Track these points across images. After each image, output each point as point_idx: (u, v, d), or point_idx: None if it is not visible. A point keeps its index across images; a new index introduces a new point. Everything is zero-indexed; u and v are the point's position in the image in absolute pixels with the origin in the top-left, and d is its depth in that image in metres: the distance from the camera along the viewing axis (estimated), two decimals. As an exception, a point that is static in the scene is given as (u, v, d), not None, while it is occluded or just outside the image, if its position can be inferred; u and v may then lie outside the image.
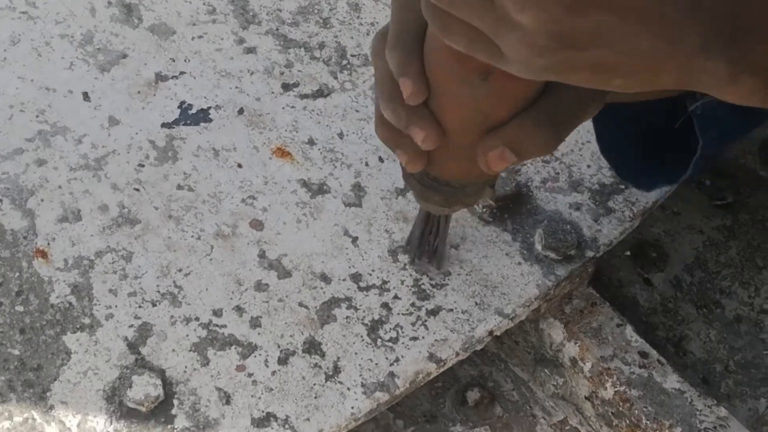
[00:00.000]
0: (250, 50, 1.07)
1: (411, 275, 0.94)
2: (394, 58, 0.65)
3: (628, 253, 1.15)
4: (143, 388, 0.83)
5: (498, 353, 1.06)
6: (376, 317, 0.91)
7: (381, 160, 1.01)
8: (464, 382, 1.04)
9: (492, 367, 1.05)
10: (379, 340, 0.90)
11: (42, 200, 0.93)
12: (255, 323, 0.89)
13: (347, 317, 0.91)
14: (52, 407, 0.82)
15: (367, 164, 1.00)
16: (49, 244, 0.90)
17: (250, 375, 0.87)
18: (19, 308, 0.87)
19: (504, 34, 0.52)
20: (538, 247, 0.97)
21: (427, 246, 0.92)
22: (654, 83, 0.55)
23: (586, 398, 0.99)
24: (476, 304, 0.93)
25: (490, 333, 0.92)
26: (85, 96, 1.01)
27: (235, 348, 0.88)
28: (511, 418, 1.02)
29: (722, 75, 0.53)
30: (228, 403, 0.85)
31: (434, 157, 0.71)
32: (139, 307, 0.88)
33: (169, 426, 0.83)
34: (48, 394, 0.83)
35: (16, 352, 0.84)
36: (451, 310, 0.92)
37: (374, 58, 0.68)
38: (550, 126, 0.65)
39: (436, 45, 0.62)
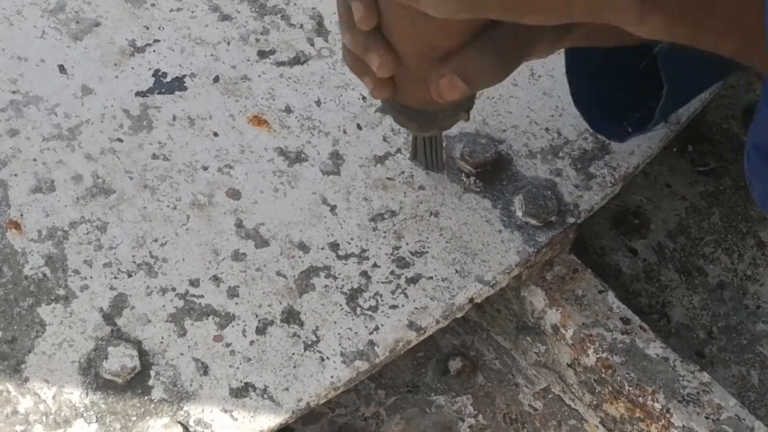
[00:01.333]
0: (226, 17, 1.05)
1: (389, 244, 0.93)
2: None
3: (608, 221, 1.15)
4: (119, 360, 0.82)
5: (480, 322, 1.05)
6: (355, 286, 0.90)
7: (359, 127, 0.99)
8: (446, 351, 1.03)
9: (474, 336, 1.05)
10: (358, 308, 0.89)
11: (15, 171, 0.91)
12: (232, 293, 0.88)
13: (326, 286, 0.90)
14: (26, 379, 0.81)
15: (345, 132, 0.99)
16: (22, 215, 0.89)
17: (227, 345, 0.86)
18: (-8, 280, 0.85)
19: None
20: (519, 213, 0.96)
21: (427, 155, 0.93)
22: (567, 16, 0.58)
23: (568, 365, 0.98)
24: (456, 271, 0.92)
25: (471, 300, 0.91)
26: (59, 66, 0.99)
27: (213, 318, 0.87)
28: (494, 387, 1.02)
29: (631, 10, 0.56)
30: (206, 373, 0.84)
31: (397, 84, 0.73)
32: (115, 278, 0.87)
33: (146, 397, 0.82)
34: (22, 366, 0.82)
35: (-10, 325, 0.83)
36: (431, 277, 0.92)
37: None
38: (496, 53, 0.67)
39: None
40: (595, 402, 0.97)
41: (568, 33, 0.73)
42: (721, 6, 0.58)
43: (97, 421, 0.80)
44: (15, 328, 0.83)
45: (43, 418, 0.80)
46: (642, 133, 0.95)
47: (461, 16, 0.58)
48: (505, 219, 0.96)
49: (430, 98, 0.71)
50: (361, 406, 0.99)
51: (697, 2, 0.57)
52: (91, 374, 0.82)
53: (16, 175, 0.91)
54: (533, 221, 0.95)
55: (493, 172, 0.98)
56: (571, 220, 0.96)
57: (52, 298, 0.85)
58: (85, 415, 0.80)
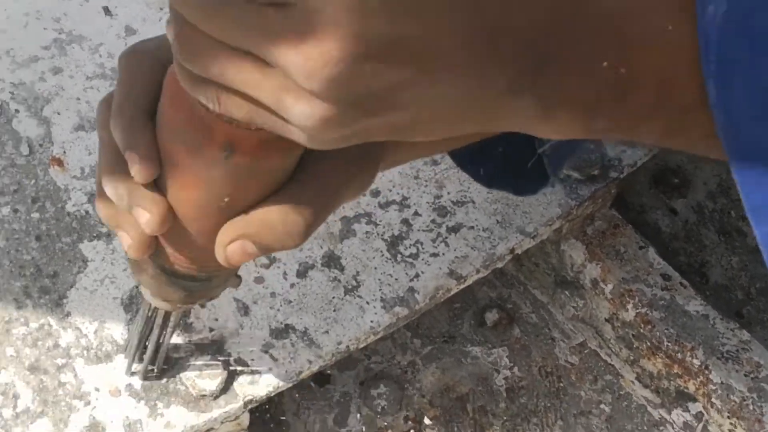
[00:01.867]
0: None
1: (431, 192, 0.92)
2: (118, 130, 0.55)
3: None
4: (161, 297, 0.82)
5: (517, 275, 1.05)
6: (396, 233, 0.90)
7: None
8: (483, 303, 1.03)
9: (511, 290, 1.04)
10: (399, 255, 0.89)
11: (58, 109, 0.91)
12: (273, 236, 0.88)
13: (367, 232, 0.90)
14: (68, 314, 0.81)
15: (388, 80, 0.98)
16: (65, 152, 0.89)
17: (268, 287, 0.86)
18: (35, 215, 0.85)
19: (291, 105, 0.43)
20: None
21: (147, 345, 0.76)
22: (459, 131, 0.48)
23: (606, 320, 0.98)
24: (497, 222, 0.92)
25: (512, 251, 0.91)
26: (103, 8, 0.98)
27: (254, 260, 0.86)
28: (530, 341, 1.01)
29: (534, 113, 0.47)
30: (246, 314, 0.84)
31: (166, 242, 0.59)
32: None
33: (187, 335, 0.82)
34: (64, 301, 0.82)
35: (33, 259, 0.83)
36: (472, 227, 0.91)
37: (99, 129, 0.59)
38: (298, 217, 0.54)
39: (171, 113, 0.52)
40: (632, 357, 0.97)
41: (413, 148, 0.63)
42: (643, 90, 0.47)
43: (137, 357, 0.80)
44: (57, 263, 0.84)
45: (84, 352, 0.80)
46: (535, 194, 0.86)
47: (338, 145, 0.46)
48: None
49: (204, 260, 0.59)
50: (397, 355, 0.99)
51: (613, 90, 0.47)
52: (133, 311, 0.82)
53: (59, 113, 0.91)
54: (576, 174, 0.94)
55: (536, 124, 0.97)
56: (614, 174, 0.96)
57: (95, 235, 0.85)
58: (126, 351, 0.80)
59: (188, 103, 0.49)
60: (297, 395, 0.95)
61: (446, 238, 0.90)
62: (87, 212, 0.86)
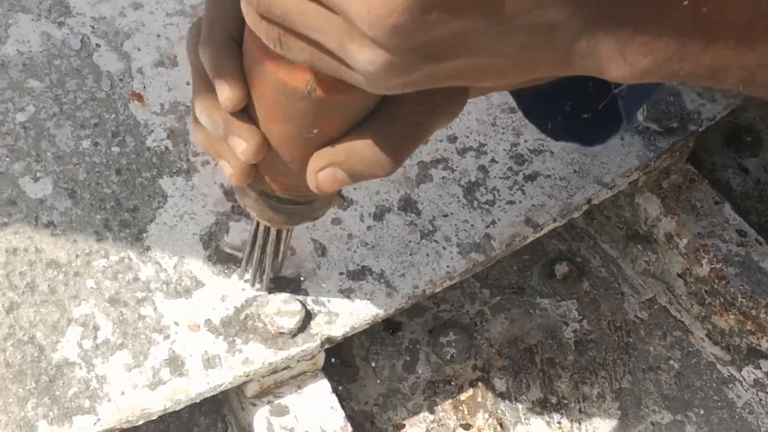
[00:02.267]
0: None
1: (508, 140, 0.92)
2: (207, 57, 0.55)
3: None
4: (240, 234, 0.82)
5: (587, 229, 1.04)
6: (473, 179, 0.89)
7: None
8: (552, 256, 1.02)
9: (581, 243, 1.04)
10: (475, 201, 0.88)
11: (138, 44, 0.91)
12: (351, 178, 0.88)
13: (443, 177, 0.89)
14: (148, 248, 0.81)
15: (466, 26, 0.97)
16: (145, 87, 0.89)
17: (345, 229, 0.85)
18: (116, 149, 0.86)
19: (354, 52, 0.43)
20: (640, 118, 0.94)
21: (265, 260, 0.78)
22: (529, 76, 0.48)
23: (678, 275, 0.97)
24: (575, 171, 0.91)
25: (589, 201, 0.90)
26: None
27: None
28: (599, 294, 1.01)
29: (611, 56, 0.45)
30: (323, 254, 0.84)
31: (263, 171, 0.61)
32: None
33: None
34: (144, 235, 0.82)
35: (113, 192, 0.83)
36: (549, 176, 0.90)
37: (189, 53, 0.59)
38: (387, 146, 0.54)
39: (256, 48, 0.52)
40: (703, 313, 0.96)
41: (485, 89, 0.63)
42: (724, 32, 0.46)
43: (217, 293, 0.80)
44: (137, 197, 0.84)
45: (164, 286, 0.80)
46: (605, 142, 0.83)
47: (403, 91, 0.46)
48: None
49: (304, 188, 0.59)
50: (465, 304, 0.98)
51: (693, 31, 0.46)
52: (212, 247, 0.82)
53: (139, 48, 0.91)
54: (654, 126, 0.93)
55: (615, 75, 0.96)
56: (692, 127, 0.95)
57: (174, 171, 0.85)
58: (205, 286, 0.80)
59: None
60: (366, 341, 0.95)
61: (523, 185, 0.90)
62: (167, 148, 0.86)
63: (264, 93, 0.54)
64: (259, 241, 0.74)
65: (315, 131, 0.55)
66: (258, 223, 0.72)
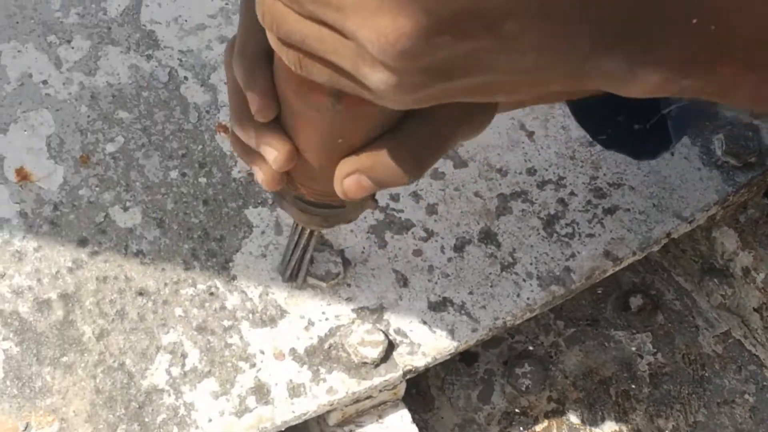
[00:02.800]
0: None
1: (587, 173, 0.92)
2: (240, 70, 0.58)
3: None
4: (324, 265, 0.83)
5: (661, 262, 1.04)
6: (552, 212, 0.90)
7: (558, 56, 0.99)
8: (626, 288, 1.02)
9: (654, 276, 1.04)
10: (554, 234, 0.89)
11: (224, 77, 0.93)
12: (431, 210, 0.89)
13: (523, 210, 0.90)
14: (234, 277, 0.83)
15: (544, 60, 0.98)
16: (230, 119, 0.91)
17: (426, 260, 0.86)
18: (203, 180, 0.87)
19: (367, 74, 0.45)
20: (718, 152, 0.94)
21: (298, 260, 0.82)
22: (542, 92, 0.49)
23: (755, 310, 0.97)
24: (654, 205, 0.91)
25: (668, 235, 0.90)
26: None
27: (412, 233, 0.87)
28: (673, 327, 1.01)
29: (621, 73, 0.46)
30: (405, 285, 0.85)
31: (295, 177, 0.64)
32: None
33: (349, 304, 0.83)
34: (230, 264, 0.84)
35: (200, 222, 0.85)
36: (628, 209, 0.91)
37: (226, 68, 0.62)
38: (410, 155, 0.56)
39: (281, 63, 0.54)
40: (780, 348, 0.96)
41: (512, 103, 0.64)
42: (734, 49, 0.47)
43: (301, 322, 0.82)
44: (224, 227, 0.85)
45: (250, 315, 0.81)
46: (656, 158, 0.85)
47: (419, 106, 0.48)
48: (704, 157, 0.94)
49: (333, 193, 0.61)
50: (540, 335, 0.99)
51: (703, 48, 0.46)
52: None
53: (224, 80, 0.93)
54: (733, 161, 0.93)
55: (692, 110, 0.96)
56: (770, 162, 0.95)
57: (259, 201, 0.87)
58: (289, 315, 0.82)
59: None
60: (441, 370, 0.95)
61: (602, 219, 0.90)
62: (252, 179, 0.88)
63: (292, 105, 0.57)
64: (299, 240, 0.78)
65: (340, 140, 0.57)
66: (296, 224, 0.76)
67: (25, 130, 0.87)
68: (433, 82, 0.45)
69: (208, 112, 0.91)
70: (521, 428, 0.93)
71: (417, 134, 0.56)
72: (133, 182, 0.86)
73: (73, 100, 0.89)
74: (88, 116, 0.89)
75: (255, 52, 0.57)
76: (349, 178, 0.58)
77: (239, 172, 0.88)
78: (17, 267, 0.81)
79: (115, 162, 0.87)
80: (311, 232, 0.77)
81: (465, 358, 0.96)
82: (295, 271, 0.82)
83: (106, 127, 0.89)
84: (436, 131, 0.56)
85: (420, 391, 0.94)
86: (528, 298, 0.86)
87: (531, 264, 0.87)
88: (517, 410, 0.94)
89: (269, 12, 0.47)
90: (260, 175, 0.63)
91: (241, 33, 0.59)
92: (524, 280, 0.86)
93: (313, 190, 0.65)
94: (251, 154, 0.62)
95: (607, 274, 0.88)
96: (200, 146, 0.89)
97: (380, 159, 0.57)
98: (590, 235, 0.89)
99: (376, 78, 0.45)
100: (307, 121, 0.57)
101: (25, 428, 0.75)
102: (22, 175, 0.85)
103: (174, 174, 0.87)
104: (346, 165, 0.58)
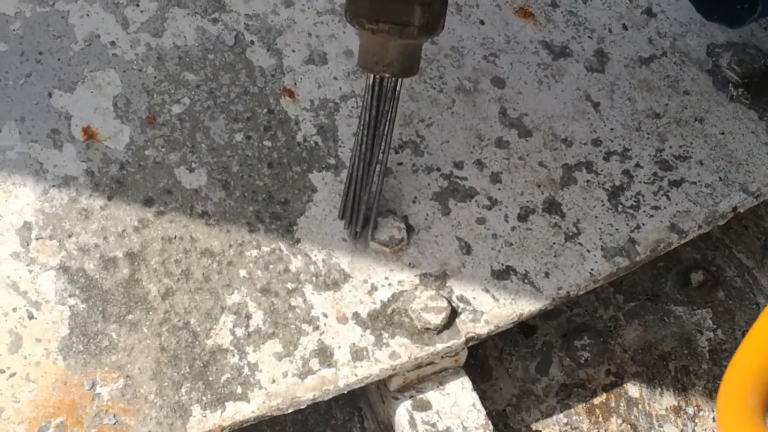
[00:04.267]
0: None
1: (653, 145, 0.91)
2: None
3: None
4: (388, 230, 0.83)
5: (722, 238, 1.03)
6: (617, 183, 0.89)
7: (625, 27, 0.98)
8: (687, 264, 1.01)
9: (716, 252, 1.03)
10: (619, 206, 0.88)
11: (289, 41, 0.93)
12: (495, 178, 0.88)
13: (588, 181, 0.89)
14: (298, 240, 0.83)
15: (610, 31, 0.97)
16: (296, 83, 0.90)
17: (489, 228, 0.86)
18: (267, 143, 0.87)
19: None
20: (786, 127, 0.93)
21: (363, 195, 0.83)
22: None
23: (819, 288, 0.95)
24: (720, 179, 0.90)
25: (734, 209, 0.89)
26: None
27: (476, 201, 0.87)
28: (734, 304, 1.00)
29: None
30: (468, 253, 0.84)
31: None
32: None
33: (413, 270, 0.83)
34: (294, 227, 0.84)
35: (265, 185, 0.85)
36: (695, 182, 0.90)
37: None
38: None
39: None
40: None
41: None
42: None
43: (364, 287, 0.82)
44: (288, 190, 0.85)
45: (313, 278, 0.81)
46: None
47: None
48: (772, 131, 0.93)
49: None
50: (599, 309, 0.98)
51: None
52: (360, 242, 0.83)
53: (290, 45, 0.92)
54: (801, 136, 0.92)
55: (761, 84, 0.95)
56: (840, 138, 0.93)
57: (323, 166, 0.87)
58: (352, 280, 0.82)
59: None
60: (499, 341, 0.95)
61: (668, 191, 0.89)
62: (316, 143, 0.88)
63: None
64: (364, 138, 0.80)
65: None
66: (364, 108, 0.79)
67: (91, 90, 0.87)
68: None
69: (273, 76, 0.91)
70: (579, 401, 0.93)
71: None
72: (198, 144, 0.86)
73: (140, 60, 0.90)
74: (155, 77, 0.89)
75: None
76: None
77: (304, 136, 0.88)
78: (84, 225, 0.81)
79: (181, 123, 0.87)
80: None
81: (524, 330, 0.96)
82: (356, 213, 0.82)
83: (172, 89, 0.89)
84: None
85: (478, 361, 0.94)
86: (592, 269, 0.85)
87: (595, 235, 0.86)
88: (575, 383, 0.94)
89: None
90: None
91: None
92: (588, 251, 0.86)
93: None
94: None
95: (672, 246, 0.88)
96: (265, 110, 0.89)
97: None
98: (656, 207, 0.88)
99: None
100: None
101: (92, 386, 0.76)
102: (89, 134, 0.85)
103: (239, 137, 0.87)
104: None
